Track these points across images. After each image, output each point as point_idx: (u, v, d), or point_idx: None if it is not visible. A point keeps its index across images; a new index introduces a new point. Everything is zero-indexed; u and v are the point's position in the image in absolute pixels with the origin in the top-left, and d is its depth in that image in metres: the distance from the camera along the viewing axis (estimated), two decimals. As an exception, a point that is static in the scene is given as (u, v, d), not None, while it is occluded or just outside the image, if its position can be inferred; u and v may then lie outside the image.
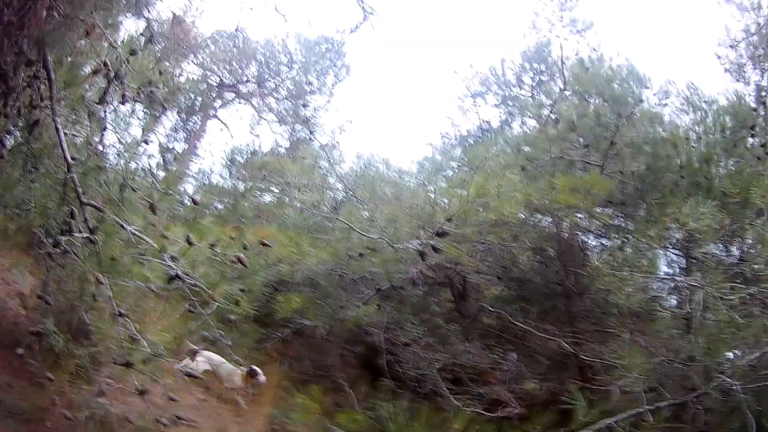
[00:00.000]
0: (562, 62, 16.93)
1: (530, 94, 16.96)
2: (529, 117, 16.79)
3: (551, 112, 16.33)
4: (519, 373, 14.03)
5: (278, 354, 13.98)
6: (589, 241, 14.97)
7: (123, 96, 12.18)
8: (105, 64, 11.18)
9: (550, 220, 14.24)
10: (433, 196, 14.94)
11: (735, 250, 14.48)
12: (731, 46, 15.60)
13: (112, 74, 11.38)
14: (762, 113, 15.11)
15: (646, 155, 14.76)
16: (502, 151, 16.06)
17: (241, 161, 17.42)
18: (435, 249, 13.36)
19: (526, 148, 15.68)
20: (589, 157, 14.72)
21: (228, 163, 17.45)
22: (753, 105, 15.16)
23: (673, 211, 13.61)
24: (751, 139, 15.17)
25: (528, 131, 16.37)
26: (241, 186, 17.30)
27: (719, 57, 15.66)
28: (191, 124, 16.31)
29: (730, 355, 12.75)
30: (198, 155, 16.55)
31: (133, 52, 12.07)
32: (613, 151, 14.61)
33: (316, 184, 16.41)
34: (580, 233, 14.73)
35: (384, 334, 13.48)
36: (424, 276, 13.86)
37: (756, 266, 13.69)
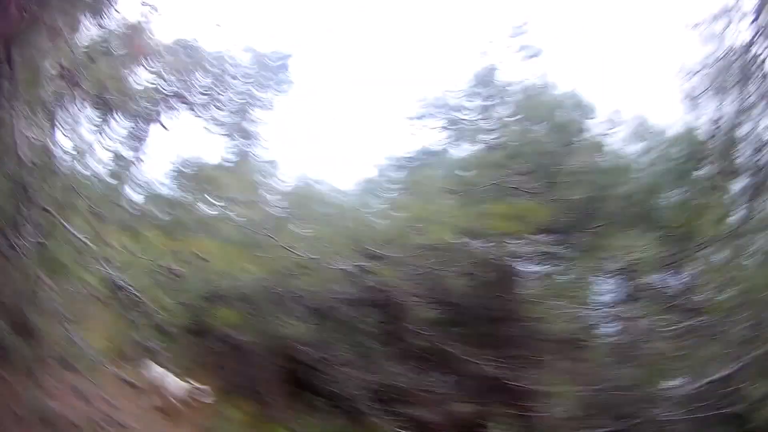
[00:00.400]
0: (510, 89, 17.03)
1: (476, 119, 17.00)
2: (474, 142, 16.93)
3: (496, 137, 16.45)
4: (450, 396, 14.04)
5: (213, 366, 13.93)
6: (526, 268, 14.83)
7: (79, 100, 12.17)
8: (64, 68, 11.18)
9: (486, 245, 14.10)
10: (370, 218, 15.19)
11: (678, 281, 14.67)
12: (689, 76, 15.61)
13: (71, 78, 11.38)
14: (717, 143, 15.21)
15: (590, 184, 14.77)
16: (443, 175, 16.00)
17: (188, 172, 17.33)
18: (369, 271, 13.57)
19: (468, 173, 15.59)
20: (531, 184, 14.70)
21: (174, 173, 17.39)
22: (706, 136, 15.28)
23: (614, 242, 13.78)
24: (699, 171, 15.32)
25: (471, 156, 16.34)
26: (185, 198, 17.24)
27: (679, 85, 15.69)
28: (141, 131, 16.21)
29: (673, 383, 12.88)
30: (146, 163, 16.51)
31: (91, 58, 12.06)
32: (557, 178, 14.66)
33: (256, 201, 16.48)
34: (516, 259, 14.54)
35: (316, 352, 13.44)
36: (358, 297, 13.81)
37: (699, 297, 13.84)
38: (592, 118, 16.10)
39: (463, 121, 16.92)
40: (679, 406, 12.47)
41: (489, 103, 16.75)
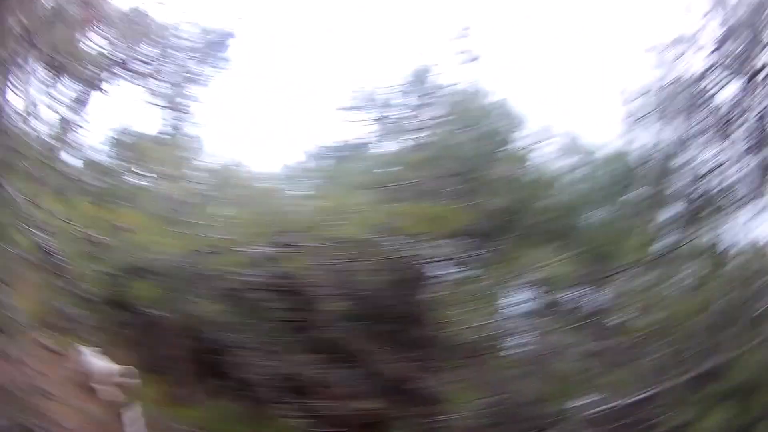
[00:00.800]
0: (443, 91, 17.03)
1: (406, 117, 17.01)
2: (401, 140, 16.93)
3: (424, 137, 16.38)
4: (354, 392, 14.07)
5: (129, 340, 13.94)
6: (440, 271, 14.53)
7: (33, 60, 12.27)
8: (25, 28, 11.22)
9: (401, 243, 13.80)
10: (290, 204, 15.11)
11: (596, 300, 14.56)
12: (632, 99, 15.59)
13: (29, 38, 11.40)
14: (650, 169, 15.20)
15: (512, 193, 14.74)
16: (366, 169, 16.06)
17: (124, 141, 17.39)
18: (284, 258, 13.40)
19: (392, 170, 15.51)
20: (452, 187, 14.55)
21: (112, 141, 17.43)
22: (639, 160, 15.24)
23: (531, 254, 13.74)
24: (628, 194, 15.28)
25: (397, 154, 16.40)
26: (119, 167, 17.27)
27: (620, 107, 15.68)
28: (86, 96, 16.32)
29: (582, 402, 12.84)
30: (87, 129, 16.57)
31: (49, 20, 12.13)
32: (479, 184, 14.62)
33: (184, 177, 16.53)
34: (430, 261, 14.30)
35: (227, 335, 13.18)
36: (271, 282, 13.45)
37: (616, 319, 13.78)
38: (522, 129, 16.12)
39: (393, 118, 16.98)
40: (586, 425, 12.52)
41: (421, 102, 16.79)
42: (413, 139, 16.33)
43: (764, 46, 14.51)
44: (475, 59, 16.44)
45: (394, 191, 14.72)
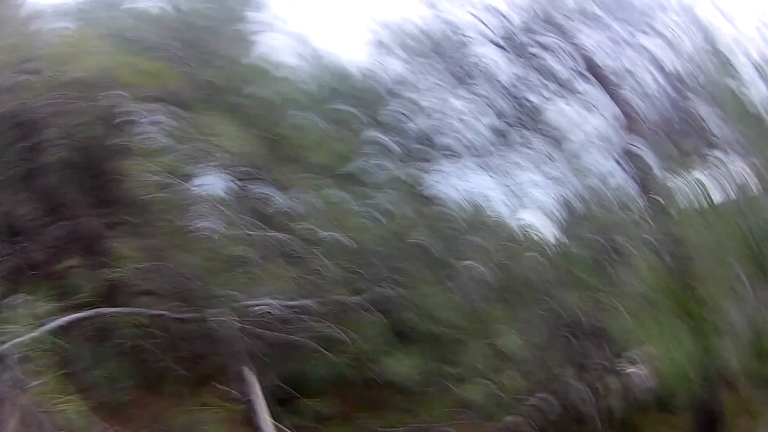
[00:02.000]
0: None
1: None
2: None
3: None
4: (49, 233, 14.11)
5: None
6: (140, 128, 14.71)
7: None
8: None
9: (115, 93, 13.92)
10: (46, 36, 15.00)
11: (282, 200, 15.13)
12: (389, 27, 15.59)
13: None
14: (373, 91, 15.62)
15: (228, 73, 15.16)
16: (113, 18, 16.10)
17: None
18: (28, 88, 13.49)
19: (136, 23, 15.74)
20: (181, 52, 14.99)
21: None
22: (365, 81, 15.85)
23: (228, 136, 13.86)
24: (342, 107, 15.69)
25: (145, 10, 16.28)
26: None
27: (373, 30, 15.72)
28: None
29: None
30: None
31: None
32: (201, 55, 15.14)
33: None
34: (135, 117, 14.50)
35: None
36: (9, 114, 13.66)
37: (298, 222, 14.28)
38: (259, 16, 16.62)
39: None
40: (239, 314, 13.20)
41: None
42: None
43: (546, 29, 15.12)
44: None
45: (133, 43, 15.04)
